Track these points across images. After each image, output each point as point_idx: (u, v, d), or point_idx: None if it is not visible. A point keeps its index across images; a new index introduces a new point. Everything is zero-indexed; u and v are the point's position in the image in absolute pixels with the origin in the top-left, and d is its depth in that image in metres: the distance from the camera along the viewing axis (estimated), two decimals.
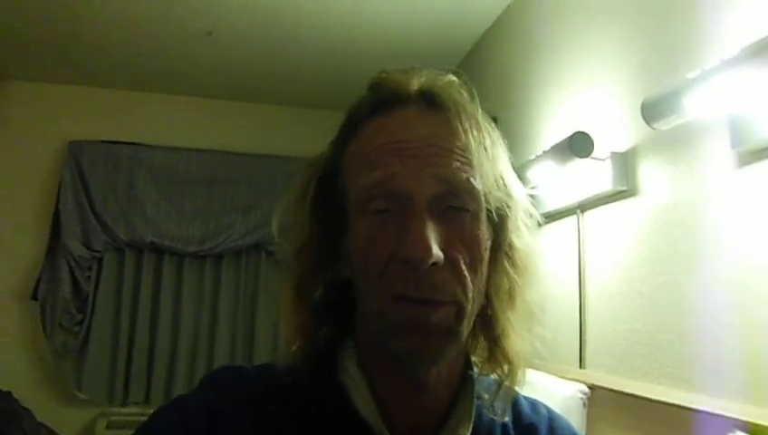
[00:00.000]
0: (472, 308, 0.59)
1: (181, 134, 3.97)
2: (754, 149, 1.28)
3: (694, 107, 1.34)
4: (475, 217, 0.59)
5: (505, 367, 0.64)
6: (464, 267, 0.57)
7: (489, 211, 0.61)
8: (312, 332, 0.64)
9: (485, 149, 0.60)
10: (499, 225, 0.62)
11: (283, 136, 4.00)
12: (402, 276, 0.56)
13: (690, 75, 1.32)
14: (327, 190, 0.63)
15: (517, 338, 0.63)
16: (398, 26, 3.01)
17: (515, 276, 0.64)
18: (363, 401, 0.61)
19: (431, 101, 0.61)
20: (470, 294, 0.58)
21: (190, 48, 3.33)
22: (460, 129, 0.59)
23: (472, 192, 0.58)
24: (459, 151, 0.59)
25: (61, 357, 3.59)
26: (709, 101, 1.30)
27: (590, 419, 1.74)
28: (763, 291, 1.24)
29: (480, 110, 0.63)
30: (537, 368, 1.73)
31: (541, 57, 2.43)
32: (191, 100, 4.03)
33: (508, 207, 0.63)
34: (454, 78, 0.64)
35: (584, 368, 1.91)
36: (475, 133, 0.60)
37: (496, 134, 0.64)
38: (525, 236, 0.65)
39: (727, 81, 1.22)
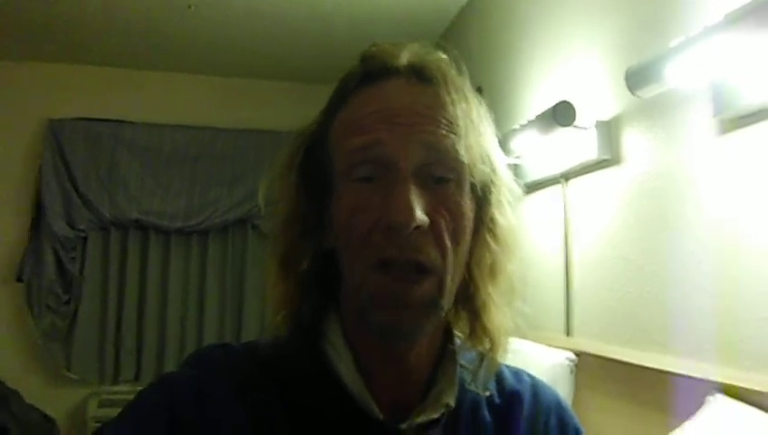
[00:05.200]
0: (452, 279, 0.59)
1: (163, 110, 3.92)
2: (735, 117, 1.29)
3: (676, 75, 1.34)
4: (460, 186, 0.60)
5: (486, 342, 0.65)
6: (446, 235, 0.58)
7: (473, 184, 0.61)
8: (298, 304, 0.64)
9: (472, 123, 0.61)
10: (482, 199, 0.63)
11: (267, 110, 3.96)
12: (385, 242, 0.56)
13: (673, 43, 1.31)
14: (314, 159, 0.64)
15: (498, 313, 0.64)
16: None
17: (498, 251, 0.64)
18: (348, 374, 0.62)
19: (420, 73, 0.62)
20: (450, 265, 0.59)
21: (171, 22, 3.26)
22: (448, 101, 0.60)
23: (457, 161, 0.59)
24: (446, 122, 0.59)
25: (49, 338, 3.59)
26: (692, 69, 1.30)
27: (578, 385, 1.77)
28: (744, 257, 1.26)
29: (469, 84, 0.64)
30: (524, 336, 1.76)
31: (525, 26, 2.41)
32: (173, 76, 3.97)
33: (492, 182, 0.64)
34: (443, 54, 0.65)
35: (571, 335, 1.94)
36: (462, 106, 0.61)
37: (483, 109, 0.65)
38: (508, 212, 0.65)
39: (709, 48, 1.22)
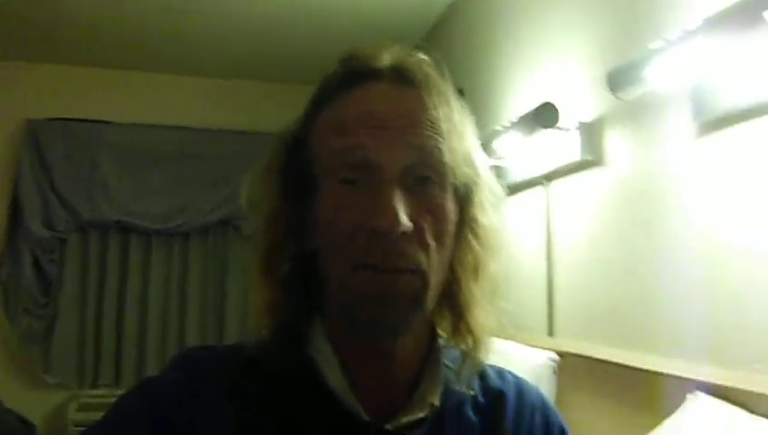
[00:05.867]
0: (436, 278, 0.60)
1: (144, 111, 3.88)
2: (715, 119, 1.30)
3: (656, 77, 1.36)
4: (443, 188, 0.60)
5: (469, 340, 0.65)
6: (429, 236, 0.59)
7: (456, 186, 0.62)
8: (281, 305, 0.64)
9: (454, 126, 0.62)
10: (465, 200, 0.64)
11: (249, 111, 3.94)
12: (369, 246, 0.57)
13: (653, 45, 1.33)
14: (295, 161, 0.64)
15: (481, 311, 0.65)
16: None
17: (480, 251, 0.65)
18: (333, 374, 0.62)
19: (403, 76, 0.62)
20: (434, 264, 0.59)
21: (152, 22, 3.23)
22: (430, 104, 0.60)
23: (440, 162, 0.60)
24: (429, 124, 0.60)
25: (26, 341, 3.53)
26: (671, 72, 1.32)
27: (561, 385, 1.78)
28: (724, 258, 1.28)
29: (451, 87, 0.64)
30: (506, 337, 1.76)
31: (507, 28, 2.42)
32: (154, 76, 3.93)
33: (474, 183, 0.64)
34: (425, 56, 0.65)
35: (553, 336, 1.95)
36: (444, 109, 0.61)
37: (465, 112, 0.65)
38: (490, 213, 0.66)
39: (689, 51, 1.23)
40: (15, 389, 3.41)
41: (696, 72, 1.29)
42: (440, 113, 0.60)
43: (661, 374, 1.37)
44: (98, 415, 0.61)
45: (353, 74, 0.62)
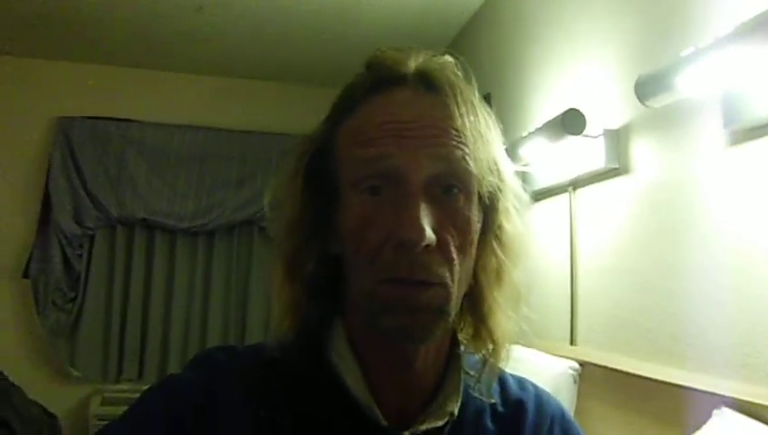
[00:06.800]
0: (459, 289, 0.60)
1: (172, 111, 3.93)
2: (746, 128, 1.28)
3: (687, 85, 1.33)
4: (468, 199, 0.60)
5: (490, 345, 0.65)
6: (453, 250, 0.58)
7: (480, 194, 0.61)
8: (303, 308, 0.64)
9: (480, 133, 0.61)
10: (490, 207, 0.63)
11: (275, 112, 3.97)
12: (395, 260, 0.56)
13: (683, 53, 1.31)
14: (319, 167, 0.64)
15: (503, 317, 0.64)
16: (391, 2, 2.97)
17: (503, 257, 0.64)
18: (353, 379, 0.61)
19: (428, 82, 0.61)
20: (457, 276, 0.59)
21: (181, 23, 3.27)
22: (456, 112, 0.60)
23: (466, 172, 0.59)
24: (455, 133, 0.59)
25: (54, 335, 3.59)
26: (702, 80, 1.29)
27: (581, 395, 1.76)
28: (753, 269, 1.25)
29: (476, 93, 0.64)
30: (528, 345, 1.75)
31: (534, 33, 2.41)
32: (182, 76, 3.98)
33: (500, 190, 0.64)
34: (450, 59, 0.64)
35: (575, 345, 1.93)
36: (470, 117, 0.60)
37: (491, 118, 0.65)
38: (515, 219, 0.65)
39: (720, 59, 1.21)
40: (40, 381, 3.47)
41: (728, 80, 1.26)
42: (466, 121, 0.60)
43: (685, 388, 1.35)
44: (120, 410, 0.62)
45: (377, 81, 0.62)
